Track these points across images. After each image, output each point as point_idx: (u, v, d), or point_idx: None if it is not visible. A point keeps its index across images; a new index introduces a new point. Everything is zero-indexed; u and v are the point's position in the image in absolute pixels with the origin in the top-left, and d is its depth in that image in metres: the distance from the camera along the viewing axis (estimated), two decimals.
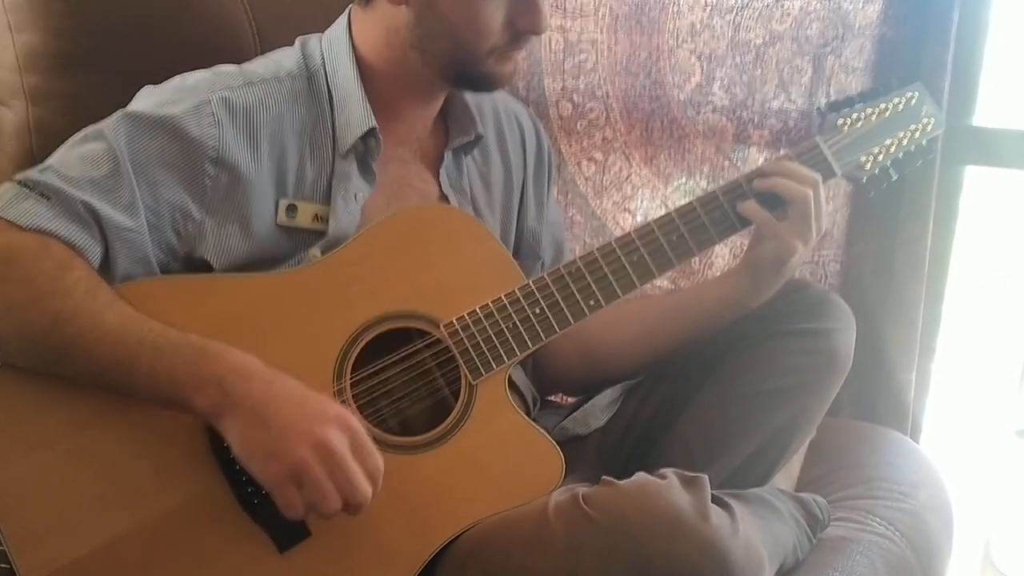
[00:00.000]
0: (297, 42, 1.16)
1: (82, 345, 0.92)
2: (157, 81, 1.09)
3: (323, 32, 1.16)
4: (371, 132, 1.10)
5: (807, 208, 1.12)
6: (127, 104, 1.06)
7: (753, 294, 1.17)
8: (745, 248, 1.20)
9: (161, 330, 0.94)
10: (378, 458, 0.94)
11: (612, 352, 1.25)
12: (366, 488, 0.92)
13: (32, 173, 0.98)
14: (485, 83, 1.12)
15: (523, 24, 1.07)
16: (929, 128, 1.25)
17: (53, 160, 1.01)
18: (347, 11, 1.15)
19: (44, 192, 0.96)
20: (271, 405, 0.92)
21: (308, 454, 0.90)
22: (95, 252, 0.97)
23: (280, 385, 0.93)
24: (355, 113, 1.10)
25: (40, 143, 1.17)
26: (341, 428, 0.92)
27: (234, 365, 0.93)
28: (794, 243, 1.12)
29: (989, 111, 1.61)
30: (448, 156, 1.20)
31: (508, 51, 1.09)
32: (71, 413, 0.95)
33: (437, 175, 1.19)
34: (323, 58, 1.13)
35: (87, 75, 1.20)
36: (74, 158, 1.00)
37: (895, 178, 1.24)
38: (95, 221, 0.97)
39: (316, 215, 1.08)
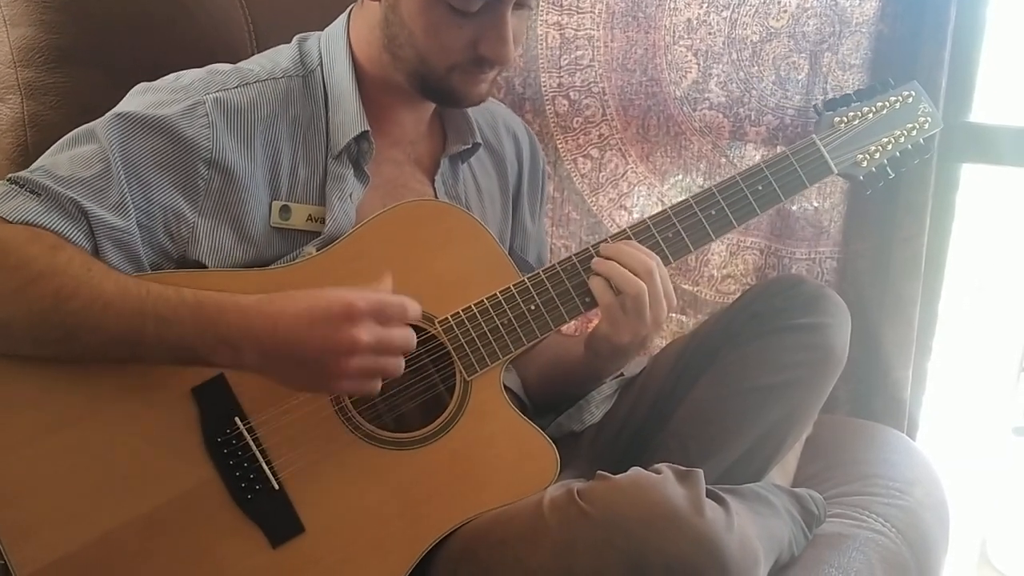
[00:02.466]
0: (295, 40, 1.15)
1: (87, 318, 0.92)
2: (153, 77, 1.08)
3: (321, 30, 1.16)
4: (363, 135, 1.09)
5: (638, 303, 1.07)
6: (122, 99, 1.05)
7: (601, 367, 1.17)
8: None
9: (159, 292, 0.94)
10: (396, 303, 0.95)
11: (528, 382, 1.26)
12: (406, 336, 0.96)
13: (22, 172, 0.98)
14: (451, 99, 1.09)
15: (484, 50, 1.03)
16: (926, 127, 1.26)
17: (44, 161, 1.00)
18: (348, 10, 1.15)
19: (33, 189, 0.96)
20: (286, 347, 0.92)
21: (353, 362, 0.92)
22: (84, 246, 0.96)
23: (282, 319, 0.93)
24: (349, 114, 1.09)
25: (35, 138, 1.17)
26: (355, 320, 0.92)
27: (233, 322, 0.93)
28: (622, 339, 1.09)
29: (986, 108, 1.61)
30: (444, 163, 1.19)
31: (472, 72, 1.06)
32: (64, 406, 0.95)
33: (432, 181, 1.18)
34: (320, 57, 1.12)
35: (82, 70, 1.20)
36: (65, 159, 0.99)
37: (892, 176, 1.25)
38: (84, 219, 0.96)
39: (310, 216, 1.08)
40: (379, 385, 0.96)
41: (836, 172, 1.20)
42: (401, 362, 0.96)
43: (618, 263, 1.08)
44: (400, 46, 1.06)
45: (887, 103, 1.24)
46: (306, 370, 0.94)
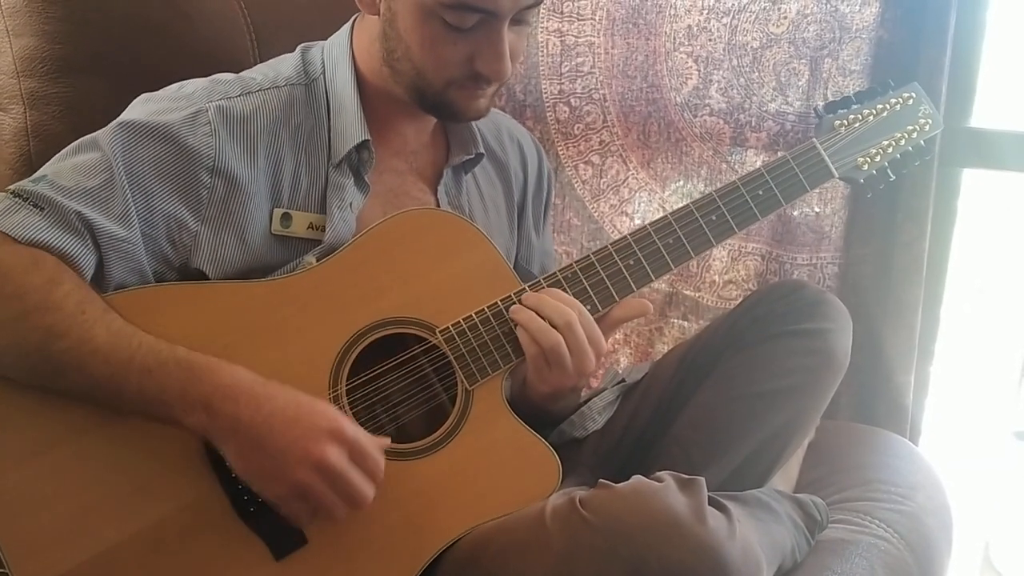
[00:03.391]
0: (298, 49, 1.16)
1: (73, 360, 0.92)
2: (155, 86, 1.08)
3: (325, 39, 1.16)
4: (364, 144, 1.09)
5: (555, 355, 1.04)
6: (124, 109, 1.06)
7: (539, 407, 1.14)
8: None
9: (150, 345, 0.94)
10: (377, 457, 0.96)
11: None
12: (367, 491, 0.95)
13: (25, 184, 0.98)
14: (450, 114, 1.09)
15: (481, 66, 1.03)
16: (927, 128, 1.26)
17: (47, 170, 1.00)
18: (352, 19, 1.15)
19: (37, 203, 0.96)
20: (262, 429, 0.92)
21: (308, 475, 0.92)
22: (88, 262, 0.97)
23: (269, 403, 0.93)
24: (350, 123, 1.09)
25: (38, 148, 1.17)
26: (337, 441, 0.93)
27: (220, 384, 0.93)
28: (543, 388, 1.08)
29: (987, 113, 1.61)
30: (448, 173, 1.19)
31: (469, 87, 1.05)
32: (66, 422, 0.95)
33: (435, 191, 1.18)
34: (323, 66, 1.12)
35: (85, 80, 1.20)
36: (68, 168, 0.99)
37: (893, 179, 1.24)
38: (88, 231, 0.97)
39: (311, 224, 1.08)
40: (307, 517, 0.96)
41: (837, 176, 1.20)
42: (343, 507, 0.95)
43: (536, 313, 1.06)
44: (398, 60, 1.06)
45: (887, 105, 1.24)
46: (262, 460, 0.93)
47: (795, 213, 1.66)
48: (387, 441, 0.98)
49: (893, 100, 1.25)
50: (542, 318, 1.05)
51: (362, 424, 1.02)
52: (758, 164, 1.64)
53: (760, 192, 1.16)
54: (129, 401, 0.93)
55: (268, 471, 0.93)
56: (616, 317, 1.12)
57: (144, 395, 0.93)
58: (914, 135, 1.25)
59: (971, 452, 1.79)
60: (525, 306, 1.07)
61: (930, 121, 1.26)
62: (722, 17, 1.60)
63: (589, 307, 1.09)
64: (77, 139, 1.03)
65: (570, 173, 1.70)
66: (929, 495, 1.36)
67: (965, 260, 1.68)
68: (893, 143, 1.23)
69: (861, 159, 1.22)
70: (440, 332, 1.06)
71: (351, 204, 1.09)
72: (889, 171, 1.24)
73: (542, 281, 1.10)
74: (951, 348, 1.71)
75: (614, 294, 1.11)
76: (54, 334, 0.92)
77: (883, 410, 1.65)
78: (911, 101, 1.25)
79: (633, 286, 1.12)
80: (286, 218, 1.07)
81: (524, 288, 1.09)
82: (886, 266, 1.62)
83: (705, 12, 1.61)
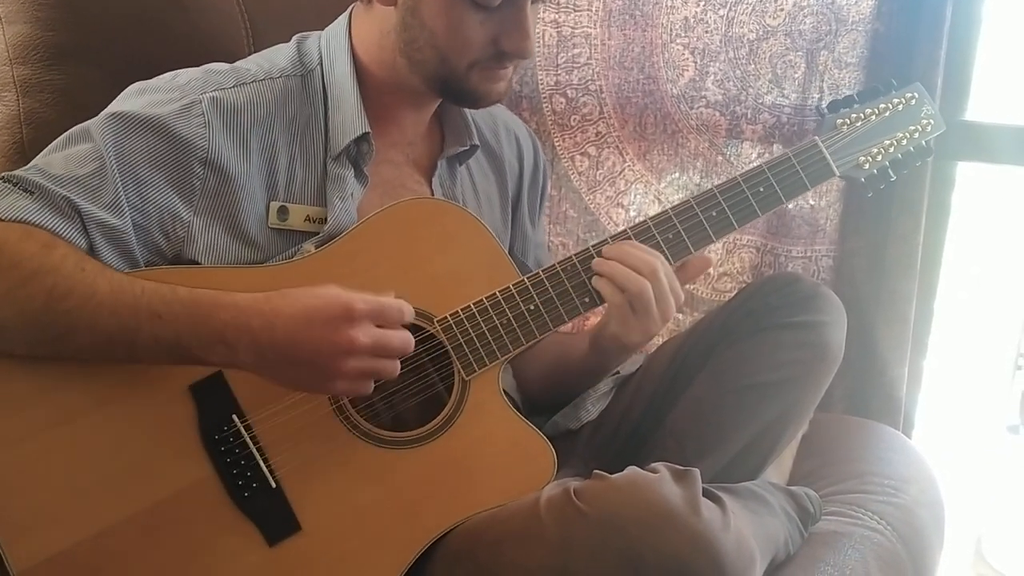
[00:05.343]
0: (294, 40, 1.15)
1: (81, 317, 0.91)
2: (149, 75, 1.08)
3: (320, 29, 1.15)
4: (364, 137, 1.09)
5: (642, 302, 1.07)
6: (117, 97, 1.05)
7: (607, 364, 1.19)
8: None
9: (153, 289, 0.93)
10: (396, 308, 0.95)
11: (530, 382, 1.27)
12: (406, 338, 0.96)
13: (16, 171, 0.98)
14: (471, 99, 1.10)
15: (507, 45, 1.04)
16: (928, 129, 1.25)
17: (38, 160, 1.00)
18: (349, 10, 1.14)
19: (27, 187, 0.95)
20: (285, 345, 0.92)
21: (350, 363, 0.93)
22: (78, 244, 0.96)
23: (279, 318, 0.93)
24: (349, 115, 1.09)
25: (31, 135, 1.17)
26: (356, 320, 0.93)
27: (227, 318, 0.93)
28: (632, 337, 1.10)
29: (982, 107, 1.61)
30: (442, 164, 1.19)
31: (492, 68, 1.06)
32: (61, 404, 0.95)
33: (430, 182, 1.18)
34: (320, 56, 1.12)
35: (78, 67, 1.20)
36: (59, 157, 0.99)
37: (894, 179, 1.24)
38: (78, 217, 0.96)
39: (308, 217, 1.08)
40: (372, 386, 0.97)
41: (838, 174, 1.20)
42: (397, 364, 0.96)
43: (620, 263, 1.08)
44: (419, 49, 1.05)
45: (890, 105, 1.24)
46: (302, 370, 0.94)
47: (790, 206, 1.66)
48: (399, 300, 0.97)
49: (895, 99, 1.24)
50: (627, 267, 1.07)
51: (358, 413, 1.03)
52: (754, 156, 1.64)
53: (761, 189, 1.16)
54: (144, 349, 0.93)
55: (315, 378, 0.94)
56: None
57: (159, 341, 0.92)
58: (916, 135, 1.24)
59: (964, 445, 1.80)
60: (608, 258, 1.09)
61: (932, 121, 1.25)
62: (719, 9, 1.60)
63: (587, 299, 1.10)
64: (70, 127, 1.02)
65: (566, 164, 1.70)
66: (922, 488, 1.36)
67: (959, 253, 1.69)
68: (895, 143, 1.23)
69: (862, 158, 1.21)
70: (438, 321, 1.06)
71: (352, 195, 1.09)
72: (890, 171, 1.24)
73: (541, 273, 1.09)
74: (945, 341, 1.71)
75: None
76: (57, 295, 0.91)
77: (876, 403, 1.66)
78: (913, 101, 1.25)
79: None
80: (283, 211, 1.07)
81: (606, 240, 1.11)
82: (880, 259, 1.62)
83: (702, 4, 1.60)
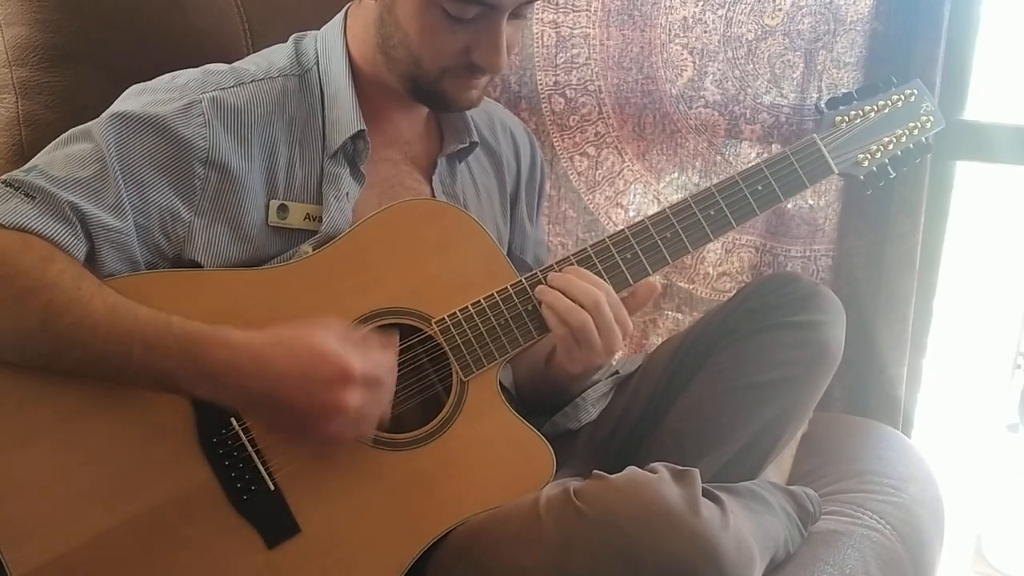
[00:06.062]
0: (291, 39, 1.15)
1: (75, 337, 0.92)
2: (148, 76, 1.08)
3: (318, 29, 1.15)
4: (359, 134, 1.09)
5: (583, 335, 1.05)
6: (117, 98, 1.05)
7: (563, 388, 1.20)
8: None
9: (148, 318, 0.93)
10: (388, 376, 0.97)
11: (519, 381, 1.27)
12: (386, 408, 0.98)
13: (17, 173, 0.97)
14: (441, 103, 1.09)
15: (478, 58, 1.03)
16: (928, 125, 1.25)
17: (39, 160, 1.00)
18: (345, 8, 1.14)
19: (29, 192, 0.95)
20: (273, 395, 0.94)
21: (333, 425, 0.95)
22: (79, 250, 0.96)
23: (272, 367, 0.94)
24: (345, 113, 1.09)
25: (30, 137, 1.17)
26: (349, 384, 0.94)
27: (219, 358, 0.93)
28: (574, 368, 1.09)
29: (980, 106, 1.61)
30: (442, 162, 1.19)
31: (464, 77, 1.06)
32: (59, 407, 0.94)
33: (430, 180, 1.18)
34: (317, 56, 1.12)
35: (78, 69, 1.20)
36: (60, 158, 0.99)
37: (893, 176, 1.24)
38: (80, 221, 0.96)
39: (307, 215, 1.08)
40: (373, 424, 0.99)
41: (837, 172, 1.19)
42: (373, 427, 0.99)
43: (563, 294, 1.06)
44: (393, 47, 1.06)
45: (889, 102, 1.23)
46: (287, 418, 0.96)
47: (789, 206, 1.66)
48: (394, 341, 0.99)
49: (895, 96, 1.23)
50: (569, 299, 1.05)
51: None
52: (753, 156, 1.64)
53: (759, 187, 1.16)
54: (134, 375, 0.93)
55: (294, 429, 0.97)
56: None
57: (148, 369, 0.93)
58: (915, 132, 1.24)
59: (963, 444, 1.80)
60: (551, 287, 1.07)
61: (931, 118, 1.25)
62: (717, 9, 1.60)
63: None
64: (69, 128, 1.02)
65: (565, 164, 1.70)
66: (921, 487, 1.36)
67: (958, 252, 1.69)
68: (894, 140, 1.22)
69: (861, 155, 1.21)
70: (436, 323, 1.05)
71: (347, 194, 1.09)
72: (889, 168, 1.23)
73: (539, 274, 1.09)
74: (944, 340, 1.71)
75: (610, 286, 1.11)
76: (53, 312, 0.91)
77: (875, 402, 1.66)
78: (913, 98, 1.24)
79: (630, 280, 1.11)
80: (283, 209, 1.07)
81: (552, 266, 1.09)
82: (879, 258, 1.62)
83: (700, 4, 1.60)
